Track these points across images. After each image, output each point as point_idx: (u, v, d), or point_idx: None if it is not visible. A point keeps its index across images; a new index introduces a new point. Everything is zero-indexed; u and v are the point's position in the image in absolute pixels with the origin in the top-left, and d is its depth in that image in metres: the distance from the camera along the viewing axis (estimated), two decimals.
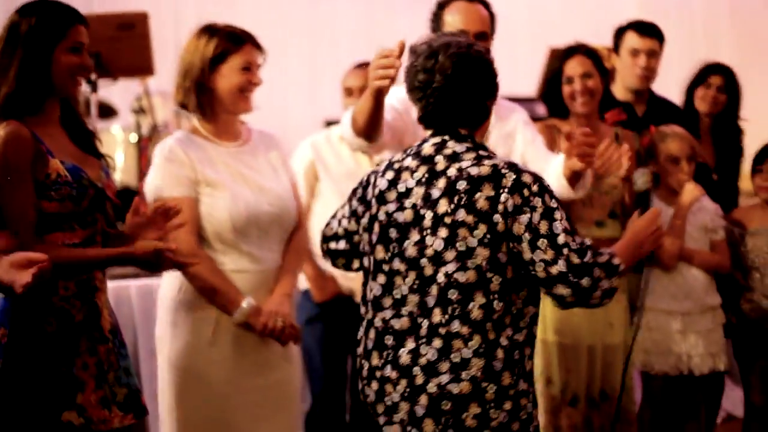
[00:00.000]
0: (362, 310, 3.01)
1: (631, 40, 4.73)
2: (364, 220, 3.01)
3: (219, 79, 3.43)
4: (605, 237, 3.99)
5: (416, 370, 2.81)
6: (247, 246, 3.44)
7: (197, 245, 3.38)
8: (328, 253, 3.24)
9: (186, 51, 3.46)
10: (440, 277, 2.80)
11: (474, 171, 2.81)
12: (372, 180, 3.03)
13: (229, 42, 3.43)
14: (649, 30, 4.75)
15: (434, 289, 2.81)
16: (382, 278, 2.91)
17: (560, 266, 2.74)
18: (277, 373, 3.56)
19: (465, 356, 2.77)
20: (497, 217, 2.76)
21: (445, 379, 2.78)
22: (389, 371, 2.87)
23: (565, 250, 2.75)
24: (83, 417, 2.97)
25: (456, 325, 2.78)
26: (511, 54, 8.44)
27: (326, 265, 4.52)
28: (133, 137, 6.44)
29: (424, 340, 2.81)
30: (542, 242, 2.75)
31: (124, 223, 3.16)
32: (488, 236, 2.77)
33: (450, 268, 2.78)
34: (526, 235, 2.76)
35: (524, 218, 2.76)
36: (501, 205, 2.76)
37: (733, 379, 5.89)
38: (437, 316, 2.80)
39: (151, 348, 3.97)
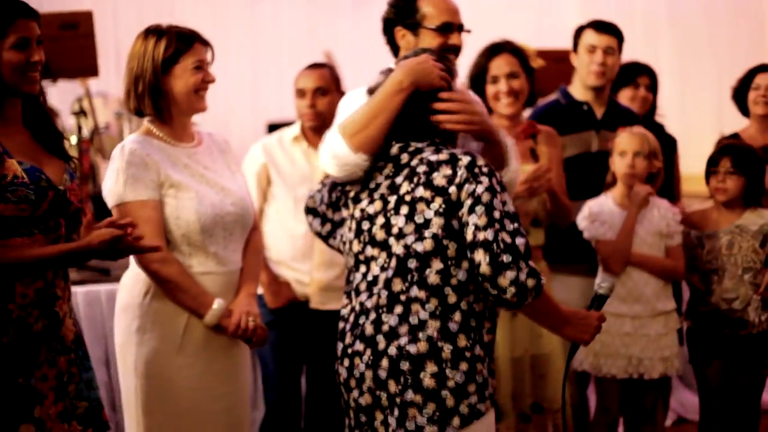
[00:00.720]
0: (344, 300, 3.14)
1: (589, 37, 4.74)
2: (344, 217, 3.21)
3: (173, 80, 3.37)
4: (531, 245, 3.94)
5: (379, 337, 2.96)
6: (214, 247, 3.40)
7: (165, 248, 3.32)
8: (310, 225, 3.43)
9: (134, 55, 3.38)
10: (399, 249, 2.96)
11: (433, 157, 2.98)
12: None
13: (179, 42, 3.36)
14: (606, 27, 4.76)
15: (393, 262, 2.96)
16: (363, 268, 3.06)
17: (488, 234, 2.83)
18: (242, 378, 3.54)
19: (422, 318, 2.92)
20: (452, 189, 2.91)
21: (404, 341, 2.92)
22: (358, 345, 3.01)
23: (498, 225, 2.84)
24: (41, 431, 2.88)
25: (414, 291, 2.93)
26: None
27: (280, 271, 4.51)
28: (74, 139, 6.35)
29: (384, 309, 2.96)
30: (480, 209, 2.86)
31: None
32: (443, 206, 2.91)
33: (409, 240, 2.95)
34: (468, 201, 2.88)
35: (470, 187, 2.89)
36: (457, 179, 2.91)
37: (684, 382, 5.95)
38: (398, 285, 2.95)
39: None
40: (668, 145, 5.07)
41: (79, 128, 6.22)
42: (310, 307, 4.54)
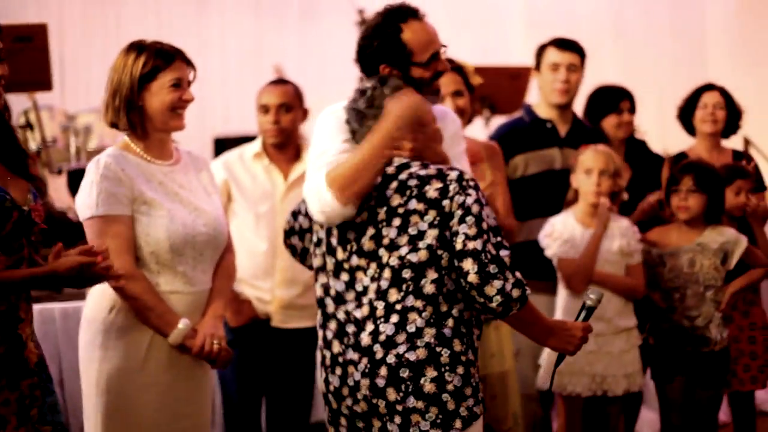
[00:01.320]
0: (321, 305, 3.19)
1: (551, 55, 4.76)
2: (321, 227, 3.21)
3: (149, 97, 3.35)
4: None
5: (376, 347, 3.01)
6: (182, 267, 3.37)
7: (133, 265, 3.29)
8: (288, 247, 3.46)
9: (114, 69, 3.37)
10: (393, 261, 3.01)
11: (422, 172, 3.04)
12: None
13: (158, 59, 3.34)
14: (568, 45, 4.79)
15: (387, 272, 3.02)
16: (345, 276, 3.10)
17: (477, 244, 2.91)
18: (204, 398, 3.51)
19: (419, 326, 2.99)
20: (446, 201, 2.98)
21: (402, 349, 2.99)
22: (351, 354, 3.07)
23: (485, 236, 2.93)
24: None
25: (410, 300, 3.00)
26: None
27: (241, 289, 4.45)
28: None
29: (381, 319, 3.02)
30: (470, 219, 2.94)
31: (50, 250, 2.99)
32: (437, 218, 2.98)
33: (403, 251, 3.01)
34: (459, 212, 2.95)
35: (460, 198, 2.96)
36: (450, 191, 2.98)
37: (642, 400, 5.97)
38: (393, 295, 3.01)
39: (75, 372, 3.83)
40: (654, 162, 5.10)
41: (26, 141, 6.14)
42: (271, 326, 4.49)
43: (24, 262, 2.91)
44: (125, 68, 3.34)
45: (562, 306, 4.39)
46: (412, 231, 3.00)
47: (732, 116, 5.22)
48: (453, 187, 2.98)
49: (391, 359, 2.99)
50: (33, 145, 6.27)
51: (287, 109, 4.51)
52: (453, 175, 3.02)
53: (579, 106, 5.22)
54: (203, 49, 10.34)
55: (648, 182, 4.94)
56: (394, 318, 3.00)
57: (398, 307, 3.00)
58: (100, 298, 3.36)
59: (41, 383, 2.95)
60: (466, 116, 4.19)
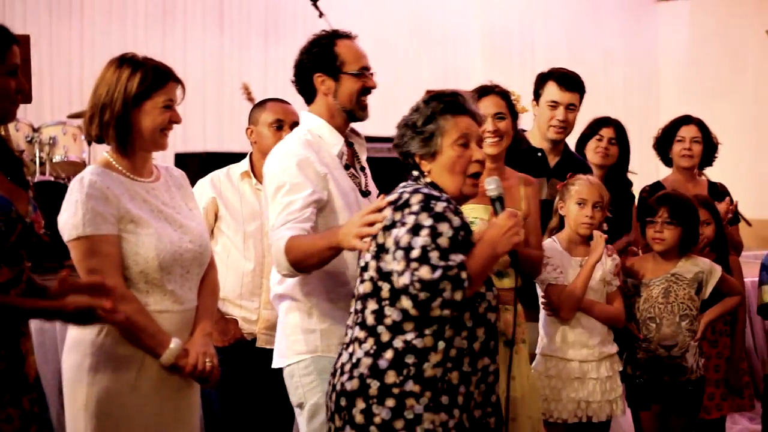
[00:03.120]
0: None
1: (551, 92, 4.71)
2: None
3: (141, 116, 3.26)
4: (506, 287, 3.90)
5: (336, 374, 3.16)
6: (171, 285, 3.30)
7: (123, 285, 3.21)
8: None
9: (104, 82, 3.28)
10: (357, 289, 3.18)
11: (390, 197, 3.13)
12: None
13: (154, 78, 3.26)
14: (570, 84, 4.73)
15: (357, 304, 3.18)
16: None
17: (405, 278, 2.95)
18: (194, 419, 3.48)
19: (359, 356, 3.08)
20: (380, 232, 3.06)
21: (345, 378, 3.10)
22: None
23: (415, 264, 2.94)
24: None
25: (356, 331, 3.12)
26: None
27: (226, 309, 4.43)
28: None
29: (344, 347, 3.19)
30: (399, 254, 2.99)
31: (55, 265, 2.99)
32: (375, 250, 3.07)
33: (357, 281, 3.18)
34: (392, 248, 3.02)
35: (394, 231, 3.03)
36: (387, 222, 3.06)
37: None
38: (350, 326, 3.18)
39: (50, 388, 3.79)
40: (625, 204, 5.10)
41: None
42: (256, 346, 4.44)
43: (24, 274, 2.88)
44: (119, 84, 3.25)
45: (544, 328, 4.35)
46: (361, 262, 3.16)
47: (708, 149, 5.31)
48: (390, 216, 3.06)
49: (338, 387, 3.12)
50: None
51: (292, 126, 4.51)
52: (402, 199, 3.08)
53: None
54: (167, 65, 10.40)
55: (621, 211, 4.96)
56: (350, 348, 3.13)
57: (353, 336, 3.14)
58: None
59: (39, 399, 2.92)
60: (507, 139, 4.21)
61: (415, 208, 3.02)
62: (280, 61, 10.63)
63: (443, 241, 2.98)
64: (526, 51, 12.27)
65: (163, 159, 9.67)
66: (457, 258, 2.98)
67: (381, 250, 3.05)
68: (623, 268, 4.57)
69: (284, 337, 3.64)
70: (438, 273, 2.92)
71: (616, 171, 5.15)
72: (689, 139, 5.27)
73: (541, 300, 4.34)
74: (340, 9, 10.86)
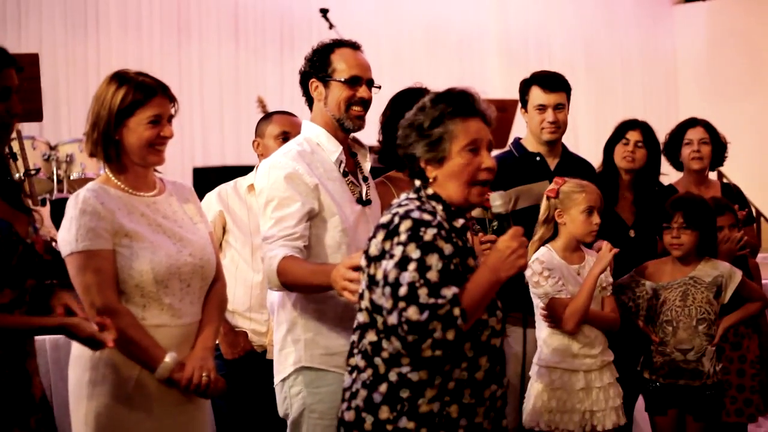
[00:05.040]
0: None
1: (537, 96, 4.68)
2: None
3: (126, 133, 3.27)
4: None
5: (341, 398, 3.04)
6: (169, 299, 3.28)
7: (117, 300, 3.21)
8: None
9: (96, 99, 3.29)
10: (356, 317, 3.02)
11: (382, 219, 2.95)
12: None
13: (138, 93, 3.24)
14: (552, 85, 4.70)
15: (357, 332, 3.02)
16: None
17: (393, 318, 2.78)
18: None
19: (357, 387, 2.95)
20: (372, 263, 2.90)
21: (344, 406, 2.98)
22: None
23: (402, 303, 2.76)
24: None
25: (357, 359, 2.97)
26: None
27: (235, 321, 4.42)
28: None
29: (348, 370, 3.05)
30: (386, 290, 2.81)
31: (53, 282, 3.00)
32: (368, 281, 2.92)
33: (356, 308, 3.01)
34: (381, 282, 2.85)
35: (383, 264, 2.85)
36: (377, 250, 2.89)
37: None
38: (354, 353, 3.01)
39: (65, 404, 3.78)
40: (654, 209, 4.93)
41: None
42: (266, 358, 4.38)
43: (27, 294, 2.89)
44: (105, 100, 3.25)
45: (544, 340, 4.26)
46: (359, 289, 3.00)
47: (717, 149, 5.24)
48: (379, 246, 2.89)
49: (338, 414, 3.02)
50: (15, 175, 6.27)
51: None
52: (393, 225, 2.88)
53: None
54: (183, 80, 10.40)
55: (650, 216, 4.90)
56: (353, 374, 2.98)
57: (355, 363, 2.98)
58: None
59: (45, 419, 2.91)
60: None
61: (403, 237, 2.82)
62: (296, 73, 10.62)
63: (432, 275, 2.78)
64: (543, 57, 12.23)
65: (182, 174, 9.73)
66: (448, 292, 2.78)
67: (372, 282, 2.89)
68: (641, 271, 4.53)
69: (278, 353, 3.63)
70: (425, 315, 2.73)
71: (645, 174, 5.03)
72: (697, 141, 5.21)
73: (541, 312, 4.24)
74: (355, 18, 10.90)
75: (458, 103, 2.98)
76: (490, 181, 3.01)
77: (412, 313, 2.74)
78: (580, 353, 4.18)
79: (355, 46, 3.70)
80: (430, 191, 3.00)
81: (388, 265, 2.81)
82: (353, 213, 3.60)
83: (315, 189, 3.52)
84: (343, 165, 3.66)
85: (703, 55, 13.01)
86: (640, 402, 4.84)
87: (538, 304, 4.24)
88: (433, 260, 2.80)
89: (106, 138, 3.27)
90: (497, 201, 3.06)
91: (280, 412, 3.62)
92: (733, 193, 5.30)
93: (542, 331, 4.24)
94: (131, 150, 3.28)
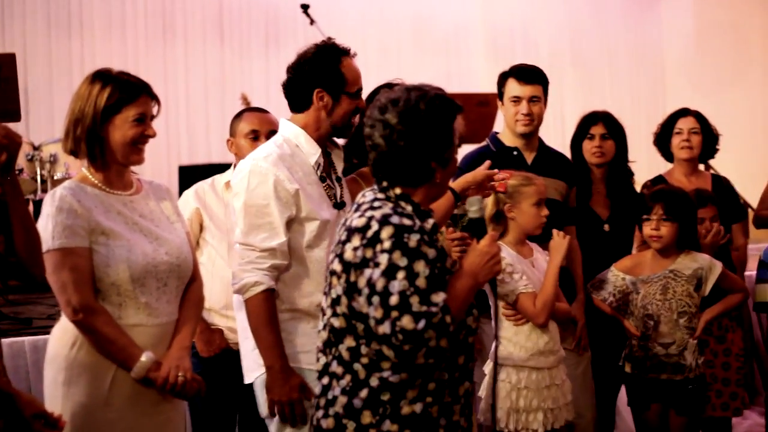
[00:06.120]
0: None
1: (512, 88, 4.69)
2: None
3: (112, 130, 3.30)
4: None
5: (316, 407, 3.00)
6: (145, 298, 3.30)
7: (93, 298, 3.22)
8: None
9: (78, 97, 3.31)
10: (325, 321, 2.96)
11: (354, 222, 2.88)
12: None
13: (124, 92, 3.29)
14: (528, 77, 4.70)
15: (323, 333, 2.97)
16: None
17: (386, 327, 2.76)
18: None
19: (335, 394, 2.90)
20: (352, 270, 2.84)
21: (320, 413, 2.94)
22: None
23: (395, 313, 2.74)
24: None
25: (334, 365, 2.92)
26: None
27: (212, 319, 4.39)
28: None
29: (318, 374, 3.00)
30: (375, 299, 2.77)
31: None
32: (345, 286, 2.86)
33: (329, 313, 2.94)
34: (365, 290, 2.79)
35: (367, 272, 2.79)
36: (358, 257, 2.82)
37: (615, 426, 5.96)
38: (321, 358, 2.98)
39: None
40: (628, 200, 5.01)
41: None
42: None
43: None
44: (89, 98, 3.28)
45: (509, 339, 4.18)
46: (333, 294, 2.92)
47: (708, 140, 5.23)
48: (359, 254, 2.81)
49: (314, 422, 2.97)
50: None
51: (269, 135, 4.49)
52: (370, 231, 2.82)
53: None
54: (169, 78, 10.37)
55: (624, 208, 4.92)
56: (324, 380, 2.95)
57: (329, 369, 2.94)
58: (62, 333, 3.30)
59: (7, 426, 2.90)
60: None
61: (387, 245, 2.77)
62: (281, 70, 10.58)
63: (421, 282, 2.76)
64: (529, 51, 12.19)
65: (168, 172, 9.70)
66: (439, 299, 2.77)
67: (353, 290, 2.83)
68: (622, 265, 4.51)
69: (250, 351, 3.57)
70: (422, 324, 2.72)
71: (616, 165, 5.05)
72: (687, 131, 5.19)
73: (505, 311, 4.16)
74: (341, 12, 10.88)
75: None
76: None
77: (406, 322, 2.72)
78: (546, 349, 4.13)
79: (352, 54, 3.67)
80: (398, 191, 2.94)
81: (373, 273, 2.77)
82: (330, 217, 3.58)
83: (295, 195, 3.50)
84: (321, 169, 3.64)
85: (691, 47, 12.98)
86: (624, 396, 4.82)
87: (499, 303, 4.15)
88: (420, 267, 2.78)
89: (91, 135, 3.29)
90: (474, 206, 3.09)
91: (262, 412, 3.59)
92: (723, 186, 5.28)
93: (507, 330, 4.16)
94: (115, 148, 3.32)
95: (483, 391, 4.23)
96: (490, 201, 4.24)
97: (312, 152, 3.62)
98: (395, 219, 2.82)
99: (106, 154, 3.33)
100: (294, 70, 3.64)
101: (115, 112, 3.29)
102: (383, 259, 2.76)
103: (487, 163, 3.84)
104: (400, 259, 2.76)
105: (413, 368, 2.84)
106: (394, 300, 2.74)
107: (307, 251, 3.52)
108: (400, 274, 2.75)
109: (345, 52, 3.64)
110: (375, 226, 2.81)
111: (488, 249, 2.95)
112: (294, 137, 3.63)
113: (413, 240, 2.79)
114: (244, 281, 3.44)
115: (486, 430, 4.24)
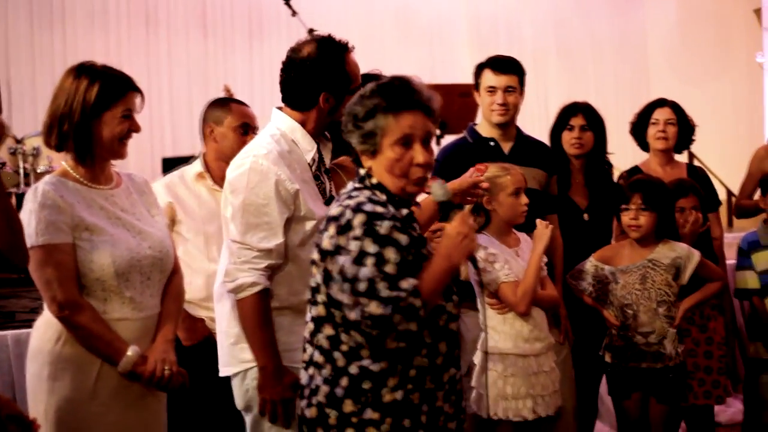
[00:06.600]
0: None
1: (488, 78, 4.70)
2: None
3: (101, 126, 3.28)
4: None
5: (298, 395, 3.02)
6: (130, 292, 3.30)
7: (77, 294, 3.22)
8: None
9: (63, 92, 3.28)
10: (309, 312, 2.97)
11: (332, 211, 2.90)
12: None
13: (113, 89, 3.28)
14: (504, 67, 4.71)
15: (310, 325, 2.98)
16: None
17: (355, 314, 2.78)
18: (158, 426, 3.46)
19: (317, 383, 2.92)
20: (326, 257, 2.85)
21: (304, 404, 2.96)
22: None
23: (363, 299, 2.76)
24: None
25: (316, 354, 2.94)
26: None
27: (194, 311, 4.35)
28: None
29: (304, 365, 3.00)
30: (345, 286, 2.79)
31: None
32: (323, 275, 2.87)
33: (311, 303, 2.96)
34: (337, 277, 2.81)
35: (339, 259, 2.80)
36: (332, 245, 2.83)
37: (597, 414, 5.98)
38: (309, 348, 2.98)
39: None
40: (607, 190, 5.03)
41: None
42: None
43: None
44: (77, 94, 3.26)
45: (494, 328, 4.19)
46: (312, 283, 2.94)
47: (684, 131, 5.24)
48: (333, 242, 2.82)
49: (298, 410, 2.99)
50: None
51: (253, 131, 4.46)
52: (343, 219, 2.83)
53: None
54: (152, 70, 10.36)
55: (603, 198, 4.95)
56: (309, 370, 2.96)
57: (312, 359, 2.95)
58: (45, 328, 3.29)
59: None
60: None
61: (358, 232, 2.79)
62: (265, 62, 10.61)
63: (390, 269, 2.77)
64: (513, 41, 12.22)
65: (151, 164, 9.70)
66: (407, 284, 2.78)
67: (329, 278, 2.84)
68: (601, 255, 4.53)
69: (231, 345, 3.55)
70: (389, 309, 2.74)
71: (595, 156, 5.07)
72: (663, 122, 5.21)
73: (488, 300, 4.17)
74: (324, 4, 10.86)
75: (394, 96, 2.91)
76: (424, 177, 2.96)
77: (374, 308, 2.74)
78: (531, 337, 4.14)
79: (350, 48, 3.57)
80: (374, 180, 2.95)
81: (345, 261, 2.78)
82: (324, 213, 3.55)
83: (296, 195, 3.44)
84: (315, 166, 3.57)
85: (674, 36, 13.03)
86: (605, 385, 4.83)
87: (483, 292, 4.18)
88: (391, 253, 2.79)
89: (80, 131, 3.27)
90: (438, 191, 3.05)
91: (239, 405, 3.59)
92: (698, 176, 5.29)
93: (491, 319, 4.17)
94: (103, 143, 3.31)
95: (474, 381, 4.24)
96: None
97: (308, 149, 3.55)
98: (368, 207, 2.84)
99: (94, 149, 3.32)
100: (297, 69, 3.51)
101: (105, 108, 3.28)
102: (354, 246, 2.79)
103: (471, 170, 3.83)
104: (369, 246, 2.78)
105: (391, 355, 2.85)
106: (362, 287, 2.76)
107: (299, 249, 3.46)
108: (369, 261, 2.77)
109: (346, 49, 3.55)
110: (348, 214, 2.83)
111: (459, 229, 2.91)
112: (290, 132, 3.55)
113: (384, 227, 2.81)
114: (240, 281, 3.40)
115: (477, 419, 4.24)
